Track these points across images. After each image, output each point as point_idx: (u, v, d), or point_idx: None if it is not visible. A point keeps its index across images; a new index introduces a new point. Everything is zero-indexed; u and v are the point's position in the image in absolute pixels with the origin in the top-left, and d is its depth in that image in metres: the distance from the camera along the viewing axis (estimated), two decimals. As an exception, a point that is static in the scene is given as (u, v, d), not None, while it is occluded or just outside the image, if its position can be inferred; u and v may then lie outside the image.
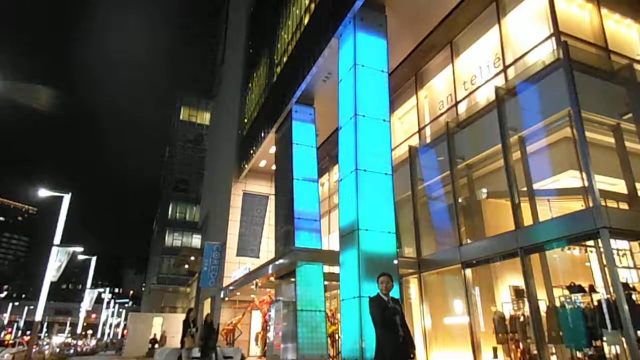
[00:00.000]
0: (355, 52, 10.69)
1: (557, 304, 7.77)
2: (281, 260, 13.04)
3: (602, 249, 6.92)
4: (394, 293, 5.42)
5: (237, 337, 19.28)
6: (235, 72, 28.26)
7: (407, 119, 14.12)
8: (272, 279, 14.71)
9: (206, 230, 33.68)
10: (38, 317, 17.48)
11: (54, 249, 17.57)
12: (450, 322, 10.50)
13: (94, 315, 74.10)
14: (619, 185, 8.03)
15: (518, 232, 8.25)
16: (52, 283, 17.72)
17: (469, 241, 9.87)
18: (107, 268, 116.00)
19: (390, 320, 4.65)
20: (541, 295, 7.98)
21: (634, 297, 6.86)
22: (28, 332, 57.17)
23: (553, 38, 8.80)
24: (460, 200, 10.27)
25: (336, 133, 12.62)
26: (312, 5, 14.87)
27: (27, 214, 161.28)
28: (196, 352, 13.03)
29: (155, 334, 24.40)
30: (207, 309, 24.69)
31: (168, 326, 25.91)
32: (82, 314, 35.44)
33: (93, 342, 51.31)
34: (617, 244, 7.26)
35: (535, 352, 7.79)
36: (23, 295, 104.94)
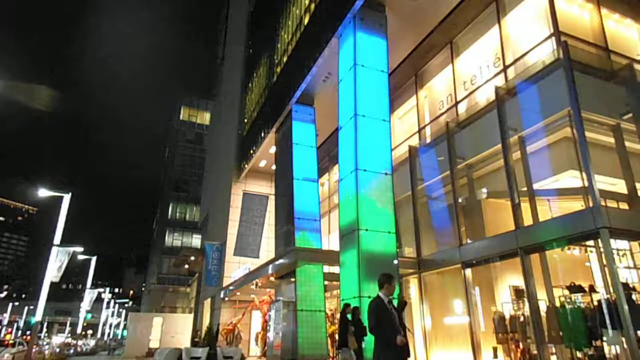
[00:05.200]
0: (355, 52, 10.69)
1: (557, 304, 7.77)
2: (281, 260, 13.04)
3: (602, 249, 6.92)
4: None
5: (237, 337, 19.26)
6: (235, 72, 28.25)
7: (407, 119, 14.12)
8: (272, 279, 14.70)
9: (206, 230, 33.66)
10: (38, 317, 17.49)
11: (54, 249, 17.57)
12: (450, 322, 10.50)
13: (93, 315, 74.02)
14: (619, 185, 8.03)
15: (518, 232, 8.25)
16: (52, 283, 17.72)
17: (469, 241, 9.87)
18: (107, 268, 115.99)
19: (388, 330, 4.58)
20: (541, 295, 7.97)
21: (634, 297, 6.86)
22: (28, 332, 57.18)
23: (553, 38, 8.80)
24: (460, 200, 10.27)
25: (336, 133, 12.62)
26: (312, 5, 14.87)
27: (27, 214, 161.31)
28: (196, 352, 13.01)
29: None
30: (207, 309, 24.67)
31: (168, 326, 25.87)
32: (82, 314, 35.46)
33: (92, 342, 51.23)
34: (617, 244, 7.26)
35: (535, 352, 7.79)
36: (23, 295, 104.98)
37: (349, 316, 8.16)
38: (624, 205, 7.96)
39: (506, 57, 10.09)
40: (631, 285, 7.09)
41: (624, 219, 7.19)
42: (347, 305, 9.11)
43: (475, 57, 11.33)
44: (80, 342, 41.70)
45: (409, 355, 4.66)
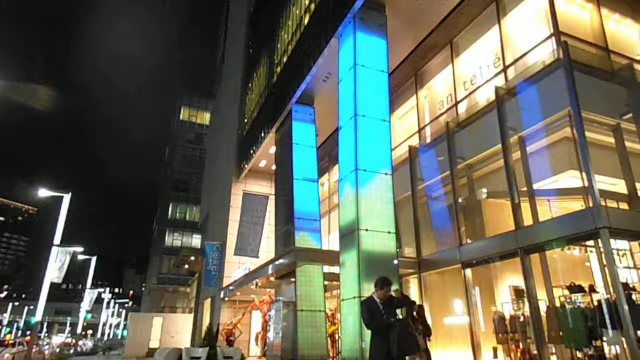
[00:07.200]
0: (355, 52, 10.69)
1: (557, 304, 7.78)
2: (281, 260, 13.04)
3: (602, 249, 6.93)
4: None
5: (237, 337, 19.27)
6: (235, 72, 28.25)
7: (407, 119, 14.12)
8: (272, 279, 14.70)
9: (206, 230, 33.66)
10: (38, 317, 17.49)
11: (54, 249, 17.58)
12: (450, 322, 10.50)
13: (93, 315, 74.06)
14: (619, 185, 8.04)
15: (518, 232, 8.25)
16: (52, 283, 17.73)
17: (469, 241, 9.87)
18: (107, 268, 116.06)
19: (381, 327, 4.71)
20: (541, 295, 7.98)
21: (634, 297, 6.87)
22: (28, 332, 57.17)
23: (553, 38, 8.80)
24: (460, 200, 10.27)
25: (336, 133, 12.62)
26: (312, 5, 14.87)
27: (27, 214, 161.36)
28: (196, 352, 13.00)
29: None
30: (207, 309, 24.68)
31: (168, 326, 25.86)
32: (82, 314, 35.47)
33: (90, 343, 51.18)
34: (617, 244, 7.26)
35: (535, 352, 7.79)
36: (23, 295, 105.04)
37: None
38: (624, 205, 7.96)
39: (506, 57, 10.08)
40: (631, 285, 7.10)
41: (624, 219, 7.19)
42: (419, 307, 8.83)
43: (475, 57, 11.33)
44: (80, 342, 41.73)
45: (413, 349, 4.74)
